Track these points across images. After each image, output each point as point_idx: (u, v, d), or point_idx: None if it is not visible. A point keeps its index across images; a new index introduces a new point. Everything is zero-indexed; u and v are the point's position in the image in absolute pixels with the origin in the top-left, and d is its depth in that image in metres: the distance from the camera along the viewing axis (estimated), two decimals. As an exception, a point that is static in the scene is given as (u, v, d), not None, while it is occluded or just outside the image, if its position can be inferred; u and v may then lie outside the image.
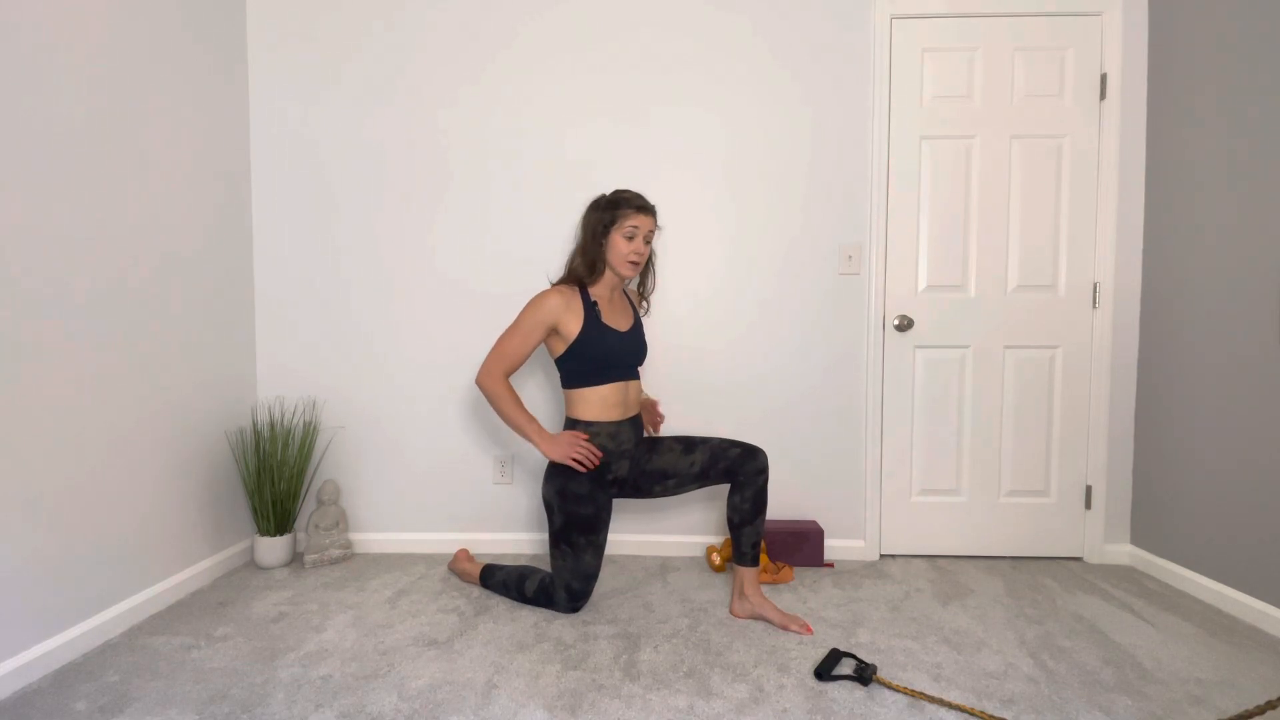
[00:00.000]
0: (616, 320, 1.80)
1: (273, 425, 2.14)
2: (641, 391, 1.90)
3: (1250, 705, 1.36)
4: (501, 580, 1.90)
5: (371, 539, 2.32)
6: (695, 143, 2.23)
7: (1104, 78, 2.17)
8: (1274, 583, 1.72)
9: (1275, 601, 1.71)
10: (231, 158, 2.16)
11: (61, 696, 1.38)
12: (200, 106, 2.00)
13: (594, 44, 2.22)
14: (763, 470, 1.73)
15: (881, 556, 2.29)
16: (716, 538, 2.30)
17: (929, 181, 2.22)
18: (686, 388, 2.27)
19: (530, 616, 1.78)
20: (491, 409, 2.02)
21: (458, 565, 2.06)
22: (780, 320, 2.26)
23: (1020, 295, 2.23)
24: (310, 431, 2.25)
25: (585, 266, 1.76)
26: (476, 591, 1.96)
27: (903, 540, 2.29)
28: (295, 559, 2.23)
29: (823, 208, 2.23)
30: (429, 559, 2.24)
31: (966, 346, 2.25)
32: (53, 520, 1.51)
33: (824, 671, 1.45)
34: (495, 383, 1.73)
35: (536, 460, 2.31)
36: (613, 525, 2.27)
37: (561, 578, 1.77)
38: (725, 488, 2.20)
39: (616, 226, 1.73)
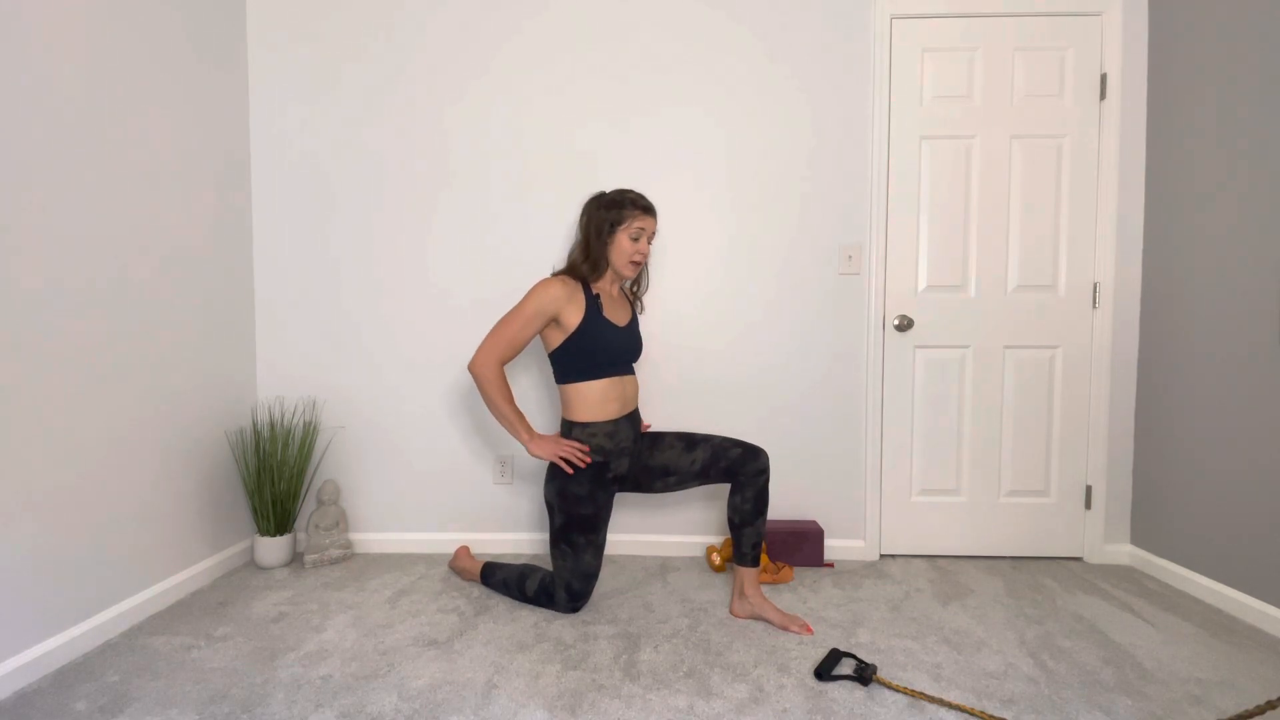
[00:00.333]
0: (616, 315, 1.80)
1: (273, 425, 2.14)
2: (638, 388, 1.90)
3: (1250, 705, 1.36)
4: (502, 579, 1.90)
5: (371, 539, 2.32)
6: (695, 143, 2.23)
7: (1104, 78, 2.17)
8: (1274, 583, 1.72)
9: (1275, 601, 1.71)
10: (231, 158, 2.16)
11: (61, 696, 1.38)
12: (200, 107, 2.00)
13: (594, 44, 2.22)
14: (764, 471, 1.73)
15: (881, 556, 2.29)
16: (716, 538, 2.30)
17: (929, 181, 2.22)
18: (686, 387, 2.27)
19: (530, 616, 1.78)
20: (482, 400, 1.98)
21: (458, 563, 2.06)
22: (780, 320, 2.25)
23: (1020, 295, 2.23)
24: (310, 431, 2.25)
25: (588, 264, 1.75)
26: (476, 591, 1.96)
27: (903, 540, 2.29)
28: (295, 559, 2.23)
29: (822, 208, 2.23)
30: (429, 559, 2.24)
31: (966, 346, 2.25)
32: (53, 520, 1.51)
33: (824, 671, 1.45)
34: (489, 369, 1.67)
35: (536, 460, 2.31)
36: (613, 525, 2.27)
37: (562, 577, 1.77)
38: (725, 487, 2.20)
39: (623, 227, 1.73)
